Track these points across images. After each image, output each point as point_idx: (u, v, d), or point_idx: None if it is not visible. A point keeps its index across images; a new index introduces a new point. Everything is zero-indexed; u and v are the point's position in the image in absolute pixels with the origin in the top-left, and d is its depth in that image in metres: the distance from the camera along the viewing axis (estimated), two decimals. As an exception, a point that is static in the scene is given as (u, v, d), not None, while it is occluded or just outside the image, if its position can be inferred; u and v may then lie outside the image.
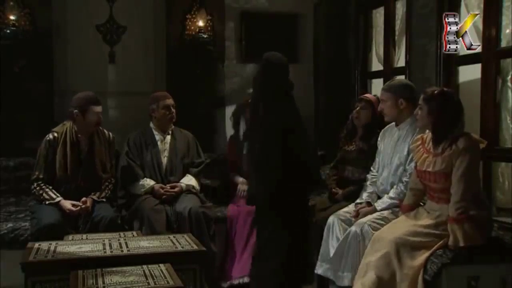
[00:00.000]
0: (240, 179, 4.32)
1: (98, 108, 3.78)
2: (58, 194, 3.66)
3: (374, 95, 3.89)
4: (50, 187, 3.68)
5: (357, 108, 3.79)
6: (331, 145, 4.10)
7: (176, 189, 4.01)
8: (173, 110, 4.13)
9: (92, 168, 3.78)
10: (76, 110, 3.73)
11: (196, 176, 4.16)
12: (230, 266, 3.99)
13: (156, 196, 3.95)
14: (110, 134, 3.96)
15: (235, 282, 3.92)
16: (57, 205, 3.62)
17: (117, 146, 4.28)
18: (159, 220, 3.78)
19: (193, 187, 4.09)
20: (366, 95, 3.88)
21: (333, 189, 3.81)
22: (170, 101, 4.12)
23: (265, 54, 3.32)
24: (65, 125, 3.79)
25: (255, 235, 3.94)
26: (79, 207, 3.62)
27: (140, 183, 3.99)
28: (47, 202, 3.63)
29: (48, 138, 3.72)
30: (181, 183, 4.07)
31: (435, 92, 2.99)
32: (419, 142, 3.12)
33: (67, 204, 3.62)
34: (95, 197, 3.73)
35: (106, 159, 3.88)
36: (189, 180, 4.11)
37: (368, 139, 3.74)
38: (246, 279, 3.88)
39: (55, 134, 3.73)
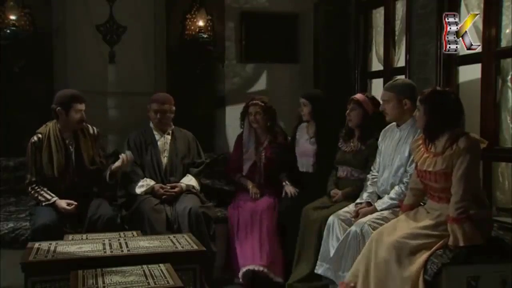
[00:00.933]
0: (249, 183, 4.29)
1: (82, 106, 3.75)
2: (53, 195, 3.66)
3: (365, 94, 3.88)
4: (45, 189, 3.68)
5: (348, 110, 3.79)
6: (331, 145, 4.09)
7: (176, 189, 4.00)
8: (161, 115, 4.10)
9: (80, 164, 3.76)
10: (59, 108, 3.71)
11: (196, 176, 4.16)
12: (237, 261, 3.98)
13: (156, 196, 3.95)
14: (95, 128, 3.92)
15: (244, 269, 3.91)
16: (53, 205, 3.62)
17: (117, 146, 4.29)
18: (159, 220, 3.78)
19: (193, 187, 4.09)
20: (355, 95, 3.86)
21: (332, 191, 3.81)
22: (161, 106, 4.10)
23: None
24: (48, 125, 3.77)
25: (258, 228, 3.97)
26: (73, 206, 3.62)
27: (140, 183, 3.98)
28: (43, 204, 3.64)
29: (32, 141, 3.70)
30: (181, 183, 4.07)
31: (428, 92, 3.00)
32: (420, 142, 3.12)
33: (62, 203, 3.62)
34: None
35: (94, 153, 3.85)
36: (189, 180, 4.11)
37: (365, 139, 3.75)
38: (257, 268, 3.88)
39: (39, 135, 3.71)
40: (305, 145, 4.16)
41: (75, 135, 3.79)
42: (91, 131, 3.88)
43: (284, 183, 4.21)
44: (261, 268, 3.89)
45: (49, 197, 3.65)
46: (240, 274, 3.93)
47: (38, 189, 3.68)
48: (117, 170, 3.81)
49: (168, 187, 4.01)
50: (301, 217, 3.76)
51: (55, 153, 3.68)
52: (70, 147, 3.76)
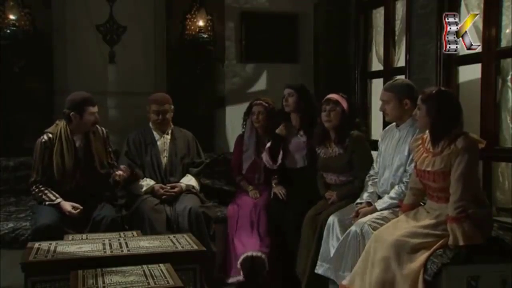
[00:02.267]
0: (249, 187, 4.29)
1: (94, 109, 3.76)
2: (57, 196, 3.64)
3: (340, 94, 3.81)
4: (49, 189, 3.66)
5: (326, 111, 3.73)
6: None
7: (176, 189, 4.01)
8: (162, 116, 4.09)
9: (90, 165, 3.77)
10: (73, 112, 3.70)
11: (196, 176, 4.16)
12: (231, 259, 3.98)
13: (156, 196, 3.95)
14: (103, 129, 3.94)
15: (243, 256, 3.90)
16: (57, 206, 3.61)
17: (117, 146, 4.29)
18: (159, 220, 3.79)
19: (193, 187, 4.09)
20: (331, 95, 3.79)
21: (327, 193, 3.80)
22: (160, 107, 4.09)
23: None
24: (58, 125, 3.75)
25: (257, 223, 4.00)
26: (78, 210, 3.61)
27: (140, 183, 3.98)
28: (47, 203, 3.63)
29: (43, 140, 3.68)
30: (181, 183, 4.07)
31: (433, 91, 2.99)
32: (419, 142, 3.12)
33: (67, 206, 3.60)
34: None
35: (103, 155, 3.87)
36: (189, 180, 4.11)
37: (341, 141, 3.72)
38: (255, 253, 3.89)
39: (50, 135, 3.70)
40: (295, 141, 4.13)
41: (86, 136, 3.79)
42: (100, 132, 3.89)
43: (273, 185, 4.20)
44: (259, 254, 3.90)
45: (53, 197, 3.64)
46: (239, 261, 3.93)
47: (43, 188, 3.66)
48: (120, 180, 3.82)
49: (168, 187, 4.01)
50: (303, 226, 3.74)
51: (66, 155, 3.68)
52: (81, 149, 3.76)
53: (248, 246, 3.94)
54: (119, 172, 3.78)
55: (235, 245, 4.00)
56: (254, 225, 4.01)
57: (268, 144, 4.16)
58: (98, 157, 3.82)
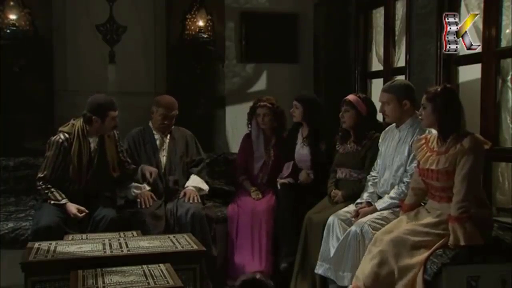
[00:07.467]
0: (251, 188, 4.29)
1: (116, 113, 3.73)
2: (63, 196, 3.62)
3: (357, 95, 3.85)
4: (56, 188, 3.64)
5: (341, 112, 3.78)
6: (331, 145, 4.10)
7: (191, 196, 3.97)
8: (168, 122, 4.08)
9: (104, 167, 3.76)
10: (95, 116, 3.66)
11: (198, 175, 4.14)
12: (236, 263, 3.98)
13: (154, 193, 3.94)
14: (115, 131, 3.91)
15: (243, 278, 3.91)
16: (62, 206, 3.59)
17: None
18: (157, 227, 3.75)
19: (201, 189, 4.06)
20: (347, 97, 3.82)
21: (332, 192, 3.81)
22: (168, 113, 4.05)
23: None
24: (75, 124, 3.71)
25: (257, 233, 3.98)
26: (84, 213, 3.59)
27: (135, 185, 3.96)
28: (51, 202, 3.61)
29: (60, 140, 3.63)
30: (187, 186, 4.03)
31: (438, 89, 2.99)
32: (422, 142, 3.12)
33: (73, 208, 3.58)
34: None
35: (115, 158, 3.86)
36: (197, 182, 4.07)
37: (360, 139, 3.75)
38: (258, 276, 3.88)
39: (66, 135, 3.66)
40: (300, 151, 4.17)
41: (100, 139, 3.77)
42: (112, 134, 3.86)
43: (278, 179, 4.23)
44: (258, 276, 3.90)
45: (59, 197, 3.61)
46: (238, 281, 3.93)
47: (50, 186, 3.63)
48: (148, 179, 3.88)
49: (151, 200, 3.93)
50: (303, 224, 3.75)
51: (84, 156, 3.66)
52: (95, 150, 3.74)
53: (248, 266, 3.92)
54: (151, 172, 3.83)
55: (234, 261, 3.99)
56: (255, 239, 3.99)
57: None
58: (111, 159, 3.80)
